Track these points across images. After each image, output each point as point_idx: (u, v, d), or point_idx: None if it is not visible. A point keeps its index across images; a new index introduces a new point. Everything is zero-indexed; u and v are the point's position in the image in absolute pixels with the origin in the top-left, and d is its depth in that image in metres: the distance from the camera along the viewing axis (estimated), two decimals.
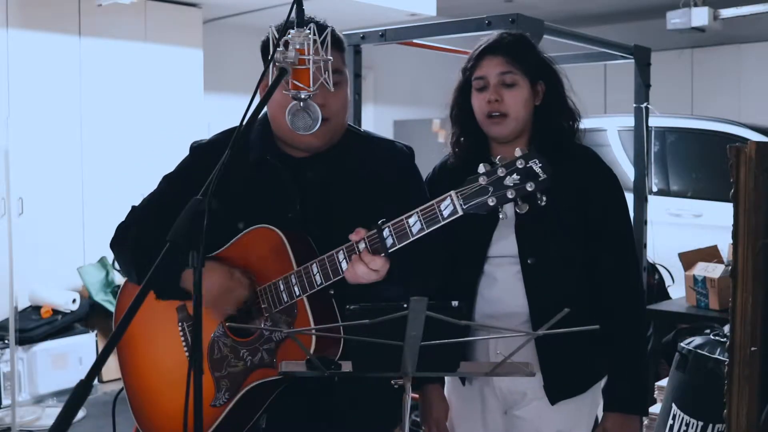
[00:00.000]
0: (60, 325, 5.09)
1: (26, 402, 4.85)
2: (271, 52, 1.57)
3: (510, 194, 1.53)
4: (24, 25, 5.20)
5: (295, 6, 1.58)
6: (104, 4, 5.41)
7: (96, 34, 5.56)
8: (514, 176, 1.53)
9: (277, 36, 1.59)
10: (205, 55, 6.19)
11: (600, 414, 2.10)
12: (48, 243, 5.28)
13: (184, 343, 1.91)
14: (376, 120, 8.27)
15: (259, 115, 1.92)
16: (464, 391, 2.14)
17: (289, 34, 1.58)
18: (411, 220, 1.62)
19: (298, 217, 1.86)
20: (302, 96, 1.61)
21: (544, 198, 1.53)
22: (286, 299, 1.76)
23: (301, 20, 1.59)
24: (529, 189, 1.52)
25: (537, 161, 1.52)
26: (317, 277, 1.72)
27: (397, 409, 1.96)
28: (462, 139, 2.11)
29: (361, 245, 1.66)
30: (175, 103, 5.93)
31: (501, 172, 1.54)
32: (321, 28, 1.69)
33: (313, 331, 1.71)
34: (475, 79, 2.04)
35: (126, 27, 5.70)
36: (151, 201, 1.99)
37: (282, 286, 1.76)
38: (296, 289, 1.74)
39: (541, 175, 1.52)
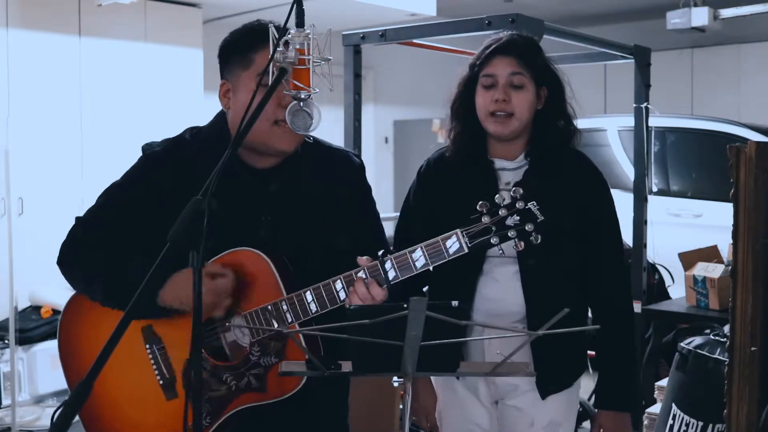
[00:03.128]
0: None
1: (26, 402, 4.85)
2: (271, 53, 1.57)
3: (511, 234, 1.63)
4: (24, 25, 5.20)
5: (295, 6, 1.58)
6: (104, 4, 5.41)
7: (96, 34, 5.56)
8: (515, 217, 1.62)
9: (276, 35, 1.58)
10: (205, 55, 6.18)
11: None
12: (48, 243, 5.24)
13: (154, 366, 1.84)
14: (376, 120, 8.27)
15: (216, 121, 1.91)
16: (456, 381, 2.16)
17: (288, 34, 1.58)
18: (415, 255, 1.66)
19: (270, 235, 1.83)
20: (302, 96, 1.61)
21: (539, 237, 1.62)
22: (276, 325, 1.73)
23: (301, 20, 1.59)
24: (528, 230, 1.62)
25: (535, 203, 1.61)
26: (312, 306, 1.71)
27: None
28: (461, 134, 2.12)
29: (361, 274, 1.68)
30: (175, 103, 5.92)
31: (503, 212, 1.62)
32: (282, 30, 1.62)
33: (300, 334, 1.71)
34: (484, 76, 2.05)
35: (126, 27, 5.69)
36: (102, 213, 1.91)
37: (273, 312, 1.74)
38: (288, 315, 1.72)
39: (538, 216, 1.61)
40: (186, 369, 1.81)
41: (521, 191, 1.62)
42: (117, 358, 1.80)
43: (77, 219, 1.93)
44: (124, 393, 1.87)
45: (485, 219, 1.62)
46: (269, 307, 1.74)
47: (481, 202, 1.63)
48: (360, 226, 1.87)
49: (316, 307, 1.71)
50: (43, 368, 4.95)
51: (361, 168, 1.98)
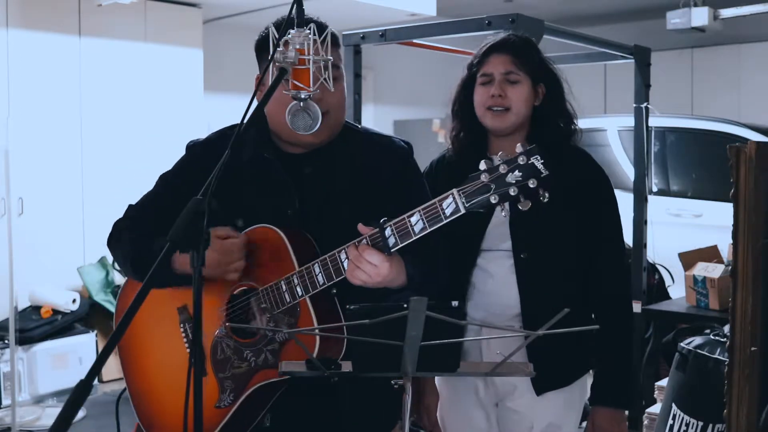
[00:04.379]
0: (60, 325, 5.09)
1: (26, 402, 4.85)
2: (271, 52, 1.57)
3: (512, 191, 1.50)
4: (24, 25, 5.20)
5: (295, 6, 1.58)
6: (104, 4, 5.41)
7: (96, 34, 5.56)
8: (516, 173, 1.50)
9: (276, 35, 1.58)
10: (205, 55, 6.18)
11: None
12: (48, 243, 5.28)
13: (186, 344, 1.91)
14: (376, 120, 8.27)
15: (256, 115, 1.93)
16: (457, 382, 2.16)
17: (289, 34, 1.58)
18: (413, 219, 1.61)
19: (297, 214, 1.86)
20: (302, 96, 1.61)
21: (547, 194, 1.51)
22: (288, 299, 1.75)
23: (301, 20, 1.58)
24: (532, 186, 1.49)
25: (538, 157, 1.50)
26: (319, 277, 1.71)
27: (398, 408, 1.98)
28: (461, 134, 2.14)
29: (363, 242, 1.67)
30: (175, 103, 5.93)
31: (503, 168, 1.51)
32: (321, 27, 1.69)
33: (316, 331, 1.71)
34: (481, 75, 2.08)
35: (126, 27, 5.70)
36: (148, 200, 1.98)
37: (284, 287, 1.75)
38: (299, 289, 1.73)
39: (543, 171, 1.50)
40: (213, 346, 1.85)
41: (526, 146, 1.51)
42: (154, 336, 1.92)
43: (129, 206, 2.02)
44: (159, 369, 1.94)
45: (484, 177, 1.52)
46: (281, 282, 1.75)
47: (483, 161, 1.54)
48: (397, 210, 1.86)
49: (324, 279, 1.71)
50: (43, 368, 4.96)
51: (404, 152, 1.95)
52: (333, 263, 1.70)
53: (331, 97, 1.81)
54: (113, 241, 1.97)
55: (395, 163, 1.93)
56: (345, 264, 1.68)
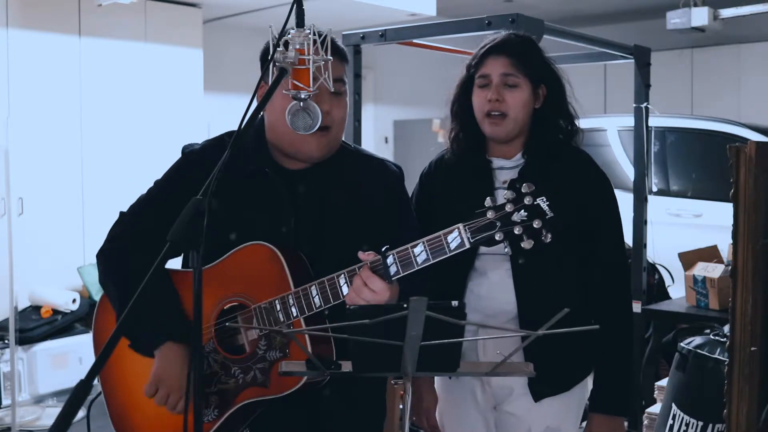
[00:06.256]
0: (60, 325, 5.09)
1: (26, 402, 4.85)
2: (271, 53, 1.57)
3: (517, 230, 1.55)
4: (24, 25, 5.20)
5: (295, 6, 1.58)
6: (104, 4, 5.41)
7: (96, 34, 5.56)
8: (522, 212, 1.55)
9: (276, 36, 1.58)
10: (205, 55, 6.18)
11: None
12: (48, 243, 5.27)
13: None
14: (376, 120, 8.27)
15: (255, 122, 1.92)
16: (454, 385, 2.15)
17: (288, 34, 1.58)
18: (416, 250, 1.63)
19: (291, 232, 1.85)
20: (302, 96, 1.61)
21: (549, 236, 1.55)
22: (282, 319, 1.75)
23: (301, 20, 1.59)
24: (536, 226, 1.54)
25: (544, 199, 1.55)
26: (316, 300, 1.72)
27: (380, 421, 1.98)
28: (461, 135, 2.12)
29: (364, 268, 1.67)
30: (175, 103, 5.93)
31: (509, 207, 1.56)
32: (319, 34, 1.69)
33: (310, 332, 1.71)
34: (479, 77, 2.05)
35: (126, 27, 5.70)
36: (141, 208, 1.94)
37: (278, 306, 1.75)
38: (294, 309, 1.74)
39: (548, 213, 1.54)
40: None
41: (532, 186, 1.56)
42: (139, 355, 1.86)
43: (120, 213, 1.98)
44: (143, 381, 1.89)
45: (490, 214, 1.56)
46: (276, 301, 1.75)
47: (489, 198, 1.58)
48: (387, 232, 1.85)
49: (320, 302, 1.71)
50: (43, 368, 4.96)
51: (396, 176, 1.97)
52: (331, 287, 1.70)
53: (337, 112, 1.81)
54: (104, 258, 1.95)
55: (390, 188, 1.95)
56: (344, 289, 1.69)
